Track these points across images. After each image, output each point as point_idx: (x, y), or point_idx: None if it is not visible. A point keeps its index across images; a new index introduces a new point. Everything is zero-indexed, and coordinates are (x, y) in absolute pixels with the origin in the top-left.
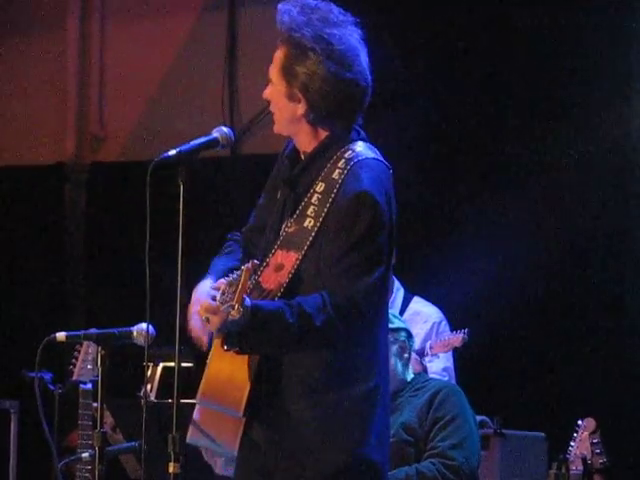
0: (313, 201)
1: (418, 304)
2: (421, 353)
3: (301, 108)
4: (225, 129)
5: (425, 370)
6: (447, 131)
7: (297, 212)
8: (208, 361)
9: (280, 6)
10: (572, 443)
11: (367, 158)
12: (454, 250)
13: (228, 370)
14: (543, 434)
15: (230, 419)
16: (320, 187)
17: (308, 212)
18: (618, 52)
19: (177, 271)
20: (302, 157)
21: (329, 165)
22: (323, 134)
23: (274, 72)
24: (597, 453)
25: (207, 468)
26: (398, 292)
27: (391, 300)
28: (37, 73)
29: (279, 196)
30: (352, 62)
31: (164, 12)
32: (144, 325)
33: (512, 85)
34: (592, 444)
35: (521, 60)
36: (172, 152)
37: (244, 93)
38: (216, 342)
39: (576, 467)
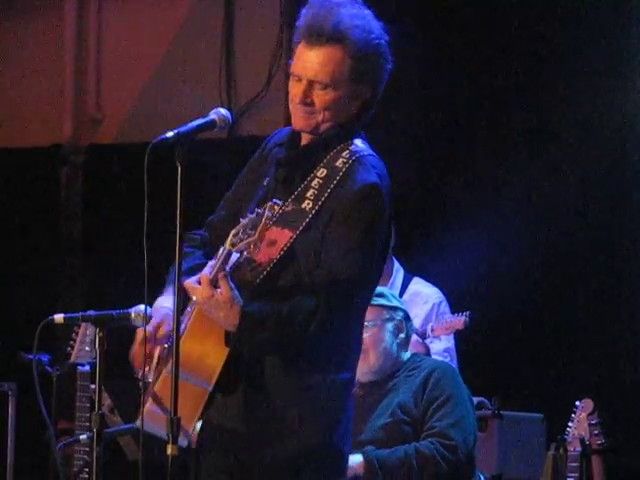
0: (313, 185)
1: (418, 285)
2: (422, 335)
3: (358, 104)
4: (223, 111)
5: (428, 352)
6: (446, 115)
7: (296, 193)
8: (184, 334)
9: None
10: (570, 424)
11: (371, 155)
12: (453, 231)
13: (205, 343)
14: (541, 415)
15: (191, 396)
16: (322, 173)
17: (307, 194)
18: (617, 48)
19: (175, 252)
20: (302, 142)
21: (332, 153)
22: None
23: (333, 74)
24: (595, 434)
25: None
26: (398, 273)
27: (391, 281)
28: (34, 55)
29: (266, 181)
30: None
31: None
32: (142, 307)
33: (510, 73)
34: (590, 425)
35: (519, 48)
36: (170, 134)
37: (241, 75)
38: (195, 315)
39: (574, 448)
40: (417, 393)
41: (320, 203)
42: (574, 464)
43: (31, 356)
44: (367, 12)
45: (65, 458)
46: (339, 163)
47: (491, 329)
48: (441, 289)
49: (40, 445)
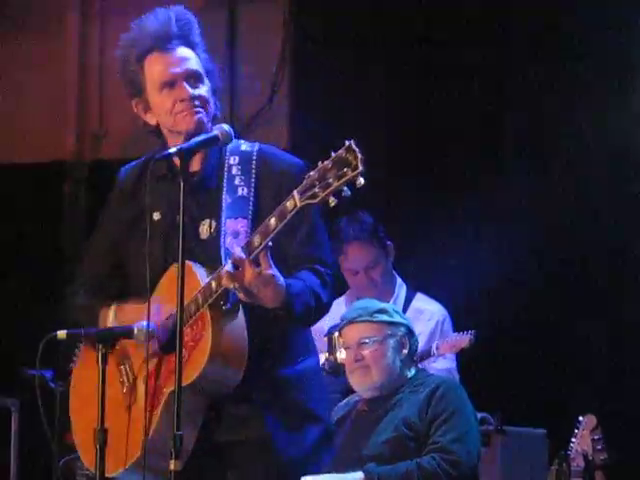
0: (234, 172)
1: (421, 301)
2: (427, 354)
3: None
4: (225, 127)
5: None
6: (447, 132)
7: (223, 185)
8: (205, 331)
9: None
10: (573, 439)
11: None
12: (456, 247)
13: (228, 338)
14: (544, 431)
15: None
16: (234, 159)
17: (236, 182)
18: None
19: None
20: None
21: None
22: None
23: (198, 67)
24: (598, 450)
25: None
26: (400, 289)
27: (393, 297)
28: (37, 71)
29: (156, 216)
30: None
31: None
32: (145, 323)
33: (509, 79)
34: (593, 440)
35: (522, 52)
36: (173, 149)
37: (244, 90)
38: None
39: (577, 464)
40: (422, 408)
41: (253, 186)
42: None
43: (34, 372)
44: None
45: (67, 474)
46: (245, 147)
47: (494, 344)
48: (444, 305)
49: (43, 461)
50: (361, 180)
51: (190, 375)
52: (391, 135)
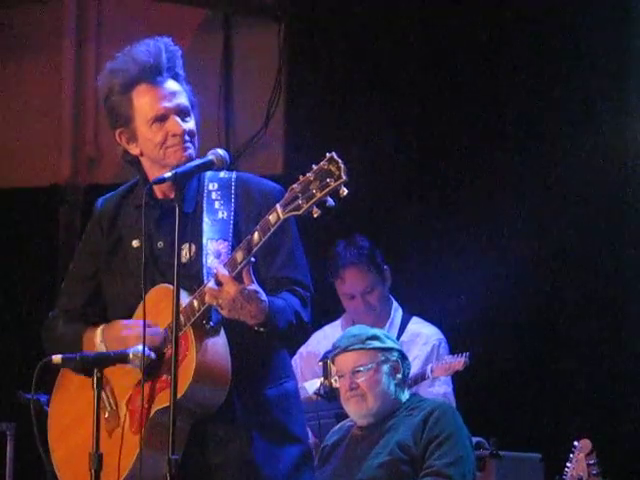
0: (214, 197)
1: (417, 324)
2: (422, 377)
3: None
4: (220, 151)
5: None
6: (440, 153)
7: (204, 209)
8: (189, 351)
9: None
10: (568, 464)
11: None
12: (452, 271)
13: (212, 356)
14: (539, 455)
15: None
16: (213, 186)
17: (216, 206)
18: (617, 59)
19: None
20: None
21: (208, 172)
22: None
23: (187, 103)
24: (593, 474)
25: None
26: (396, 312)
27: (389, 321)
28: (33, 95)
29: (135, 243)
30: None
31: (159, 34)
32: (140, 347)
33: (509, 87)
34: (588, 465)
35: (521, 61)
36: (168, 174)
37: (239, 115)
38: (194, 333)
39: None
40: (416, 432)
41: (233, 210)
42: None
43: (29, 396)
44: None
45: None
46: (222, 175)
47: (489, 368)
48: (440, 327)
49: None
50: (344, 190)
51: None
52: (387, 159)
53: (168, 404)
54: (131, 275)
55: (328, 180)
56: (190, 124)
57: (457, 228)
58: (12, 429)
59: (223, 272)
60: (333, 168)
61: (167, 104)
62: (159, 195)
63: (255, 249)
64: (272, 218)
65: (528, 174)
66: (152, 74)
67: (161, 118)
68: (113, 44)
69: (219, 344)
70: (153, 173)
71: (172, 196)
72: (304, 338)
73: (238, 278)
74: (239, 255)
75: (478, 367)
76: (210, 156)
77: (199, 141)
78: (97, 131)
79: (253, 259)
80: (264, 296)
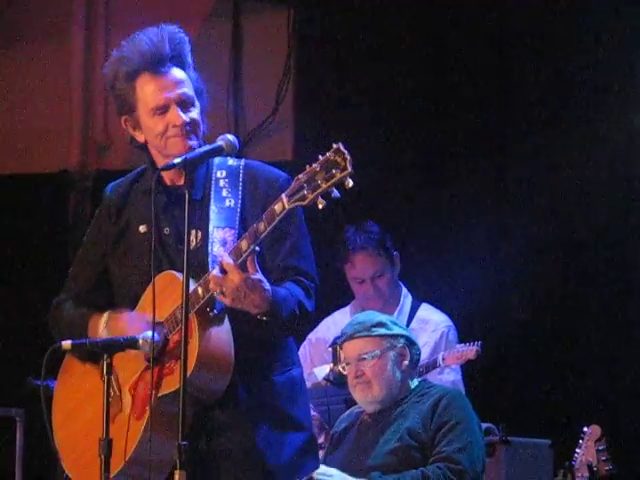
0: (222, 185)
1: (426, 311)
2: (434, 365)
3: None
4: (230, 137)
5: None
6: (451, 140)
7: (211, 196)
8: (192, 338)
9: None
10: (578, 450)
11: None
12: (461, 256)
13: (216, 344)
14: (549, 441)
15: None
16: (221, 173)
17: (223, 194)
18: (623, 60)
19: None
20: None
21: (217, 158)
22: None
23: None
24: (603, 460)
25: None
26: (406, 299)
27: (399, 307)
28: (42, 81)
29: (142, 228)
30: None
31: (168, 21)
32: (149, 333)
33: (516, 89)
34: (598, 451)
35: (526, 63)
36: (177, 160)
37: (249, 101)
38: (197, 320)
39: (582, 474)
40: (426, 418)
41: (240, 199)
42: None
43: (39, 382)
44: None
45: None
46: (230, 162)
47: (499, 355)
48: (449, 315)
49: (48, 471)
50: (350, 182)
51: (175, 383)
52: (398, 145)
53: (171, 390)
54: (137, 260)
55: (334, 171)
56: (193, 114)
57: (467, 214)
58: (22, 415)
59: (228, 260)
60: (339, 159)
61: (168, 94)
62: (167, 181)
63: (260, 238)
64: (277, 208)
65: (539, 161)
66: (154, 63)
67: (162, 108)
68: (122, 30)
69: (222, 331)
70: (159, 161)
71: (180, 182)
72: (307, 327)
73: (242, 267)
74: (244, 244)
75: (488, 353)
76: (219, 142)
77: (207, 127)
78: (106, 117)
79: (257, 248)
80: (268, 285)
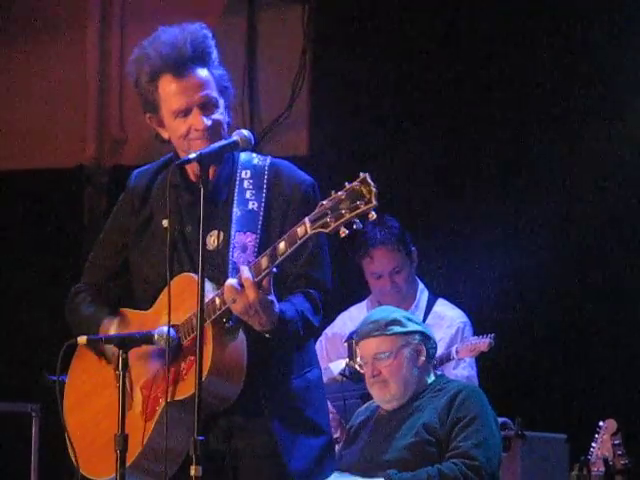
0: (246, 186)
1: (442, 307)
2: (447, 357)
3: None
4: (245, 132)
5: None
6: (467, 135)
7: (235, 198)
8: (206, 347)
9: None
10: (593, 444)
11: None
12: (477, 253)
13: (229, 355)
14: (564, 436)
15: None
16: (246, 174)
17: (247, 196)
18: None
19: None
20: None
21: (243, 155)
22: None
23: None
24: (619, 454)
25: None
26: (422, 294)
27: (415, 302)
28: (57, 76)
29: (165, 223)
30: None
31: (184, 15)
32: (165, 328)
33: (530, 85)
34: (614, 445)
35: (542, 57)
36: (193, 155)
37: (264, 96)
38: (212, 330)
39: (598, 468)
40: (442, 413)
41: (263, 201)
42: None
43: (54, 377)
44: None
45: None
46: (256, 161)
47: (514, 349)
48: (465, 310)
49: (63, 466)
50: (374, 214)
51: (188, 389)
52: (411, 141)
53: (184, 397)
54: (159, 254)
55: (358, 202)
56: (216, 115)
57: (483, 211)
58: (37, 410)
59: (247, 276)
60: (365, 190)
61: (190, 98)
62: (192, 178)
63: (279, 260)
64: (300, 231)
65: (555, 157)
66: (176, 65)
67: (184, 112)
68: (138, 24)
69: (236, 342)
70: (182, 156)
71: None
72: (311, 341)
73: (259, 284)
74: (264, 262)
75: (504, 348)
76: (235, 137)
77: (230, 118)
78: (122, 112)
79: (275, 270)
80: (277, 308)
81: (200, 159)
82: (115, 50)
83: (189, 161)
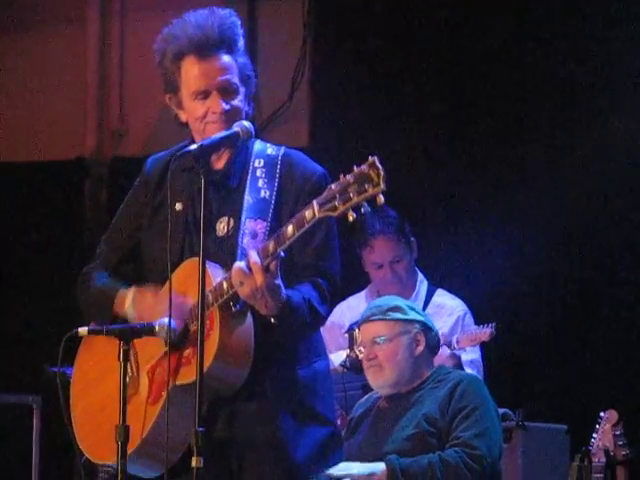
0: (258, 175)
1: (442, 297)
2: (448, 345)
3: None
4: (245, 123)
5: (459, 362)
6: (466, 125)
7: (247, 185)
8: (213, 331)
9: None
10: (594, 435)
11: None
12: (477, 242)
13: (235, 339)
14: (565, 426)
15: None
16: (259, 162)
17: (259, 184)
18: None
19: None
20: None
21: (257, 144)
22: None
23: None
24: (620, 445)
25: None
26: (422, 284)
27: (415, 293)
28: (57, 68)
29: (179, 206)
30: None
31: (184, 6)
32: (166, 320)
33: (526, 77)
34: (614, 436)
35: (537, 53)
36: (194, 146)
37: (264, 87)
38: (219, 314)
39: (598, 459)
40: (443, 404)
41: (275, 190)
42: (598, 475)
43: (55, 369)
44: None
45: (89, 471)
46: (270, 151)
47: (515, 340)
48: (465, 300)
49: (64, 458)
50: (381, 198)
51: (193, 374)
52: (412, 132)
53: (188, 381)
54: (171, 237)
55: (366, 186)
56: (235, 101)
57: (482, 200)
58: (39, 402)
59: (255, 259)
60: (373, 174)
61: (211, 81)
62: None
63: (287, 243)
64: (308, 214)
65: (557, 145)
66: (201, 47)
67: (203, 93)
68: (138, 16)
69: (244, 326)
70: (197, 140)
71: (219, 167)
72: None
73: (266, 268)
74: (272, 246)
75: (504, 338)
76: (235, 128)
77: (251, 108)
78: (122, 104)
79: (282, 254)
80: (284, 292)
81: (200, 150)
82: (115, 41)
83: (189, 152)
